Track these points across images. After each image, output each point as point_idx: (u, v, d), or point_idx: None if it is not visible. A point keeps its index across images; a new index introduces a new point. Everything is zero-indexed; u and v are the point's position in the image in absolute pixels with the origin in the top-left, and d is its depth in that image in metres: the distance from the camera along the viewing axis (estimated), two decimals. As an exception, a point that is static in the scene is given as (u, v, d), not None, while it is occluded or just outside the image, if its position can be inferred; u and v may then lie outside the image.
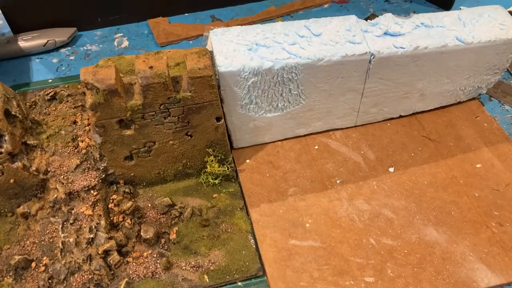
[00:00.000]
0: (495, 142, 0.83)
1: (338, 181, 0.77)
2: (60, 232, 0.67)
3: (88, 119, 0.75)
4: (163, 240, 0.69)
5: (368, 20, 0.78)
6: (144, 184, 0.76)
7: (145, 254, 0.68)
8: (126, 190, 0.73)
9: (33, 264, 0.65)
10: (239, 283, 0.66)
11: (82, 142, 0.73)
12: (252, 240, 0.70)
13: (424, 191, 0.75)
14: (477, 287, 0.64)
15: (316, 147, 0.82)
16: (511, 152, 0.81)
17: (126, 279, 0.64)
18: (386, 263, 0.67)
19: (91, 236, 0.66)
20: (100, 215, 0.68)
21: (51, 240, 0.67)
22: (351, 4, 1.14)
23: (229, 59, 0.70)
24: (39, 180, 0.69)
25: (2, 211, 0.70)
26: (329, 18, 0.77)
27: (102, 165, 0.72)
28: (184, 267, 0.67)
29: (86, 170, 0.71)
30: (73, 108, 0.79)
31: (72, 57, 1.01)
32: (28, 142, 0.70)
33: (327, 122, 0.83)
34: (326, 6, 1.14)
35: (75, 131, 0.75)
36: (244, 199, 0.75)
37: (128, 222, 0.70)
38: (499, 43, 0.79)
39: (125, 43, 1.04)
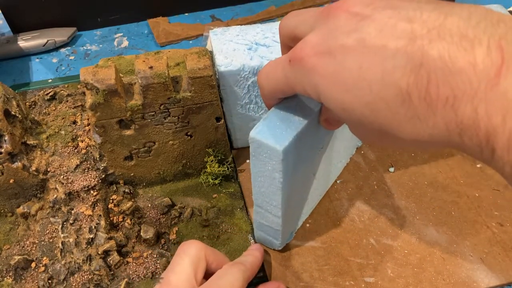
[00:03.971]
0: (495, 142, 0.83)
1: (338, 181, 0.77)
2: (60, 232, 0.67)
3: (88, 119, 0.75)
4: (163, 240, 0.69)
5: (368, 20, 0.78)
6: (144, 184, 0.76)
7: (145, 254, 0.68)
8: (126, 190, 0.73)
9: (33, 264, 0.65)
10: (239, 283, 0.66)
11: (82, 142, 0.73)
12: (252, 241, 0.69)
13: (424, 191, 0.75)
14: (477, 287, 0.64)
15: (316, 147, 0.82)
16: (511, 152, 0.81)
17: (126, 280, 0.64)
18: (386, 263, 0.66)
19: (91, 236, 0.66)
20: (100, 215, 0.68)
21: (51, 240, 0.67)
22: (351, 4, 1.14)
23: (229, 59, 0.70)
24: (39, 180, 0.69)
25: (2, 211, 0.70)
26: (329, 18, 0.77)
27: (102, 165, 0.72)
28: (184, 267, 0.66)
29: (86, 170, 0.71)
30: (73, 108, 0.79)
31: (72, 57, 1.01)
32: (28, 142, 0.70)
33: (327, 122, 0.83)
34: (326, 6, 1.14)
35: (75, 131, 0.75)
36: (244, 199, 0.75)
37: (128, 222, 0.70)
38: (499, 43, 0.79)
39: (125, 43, 1.04)
